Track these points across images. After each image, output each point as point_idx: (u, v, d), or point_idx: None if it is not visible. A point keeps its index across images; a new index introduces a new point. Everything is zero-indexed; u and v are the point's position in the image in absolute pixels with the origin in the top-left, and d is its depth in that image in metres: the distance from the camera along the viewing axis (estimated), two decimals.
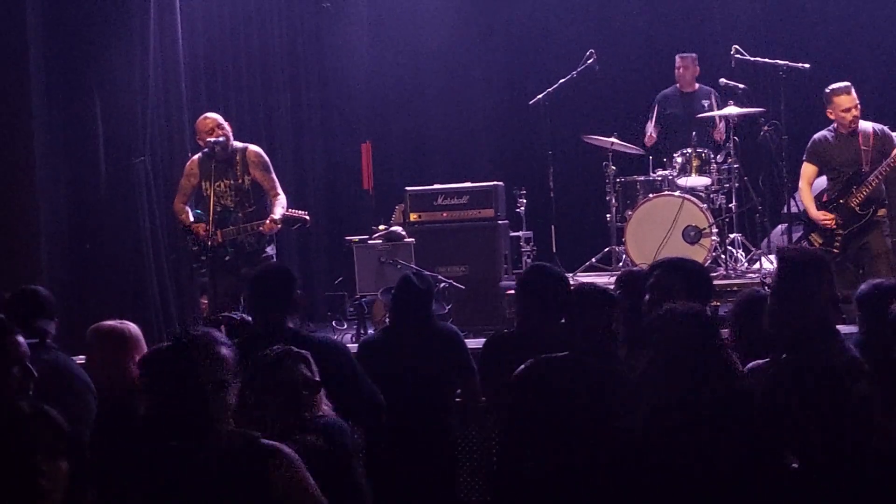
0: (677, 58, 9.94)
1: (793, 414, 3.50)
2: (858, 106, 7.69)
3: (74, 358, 5.09)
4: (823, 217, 7.70)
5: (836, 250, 7.63)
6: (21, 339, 3.39)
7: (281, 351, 3.86)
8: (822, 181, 8.05)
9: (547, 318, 4.80)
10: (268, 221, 7.42)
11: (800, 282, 3.84)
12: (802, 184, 7.86)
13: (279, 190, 7.59)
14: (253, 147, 7.66)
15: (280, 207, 7.50)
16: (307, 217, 7.69)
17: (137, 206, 7.94)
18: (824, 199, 7.83)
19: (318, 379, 3.83)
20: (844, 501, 3.39)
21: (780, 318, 3.87)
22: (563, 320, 4.53)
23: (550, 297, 4.84)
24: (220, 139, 7.43)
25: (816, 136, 7.87)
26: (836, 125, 7.76)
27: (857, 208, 7.65)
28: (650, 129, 9.80)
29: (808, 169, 7.85)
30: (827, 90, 7.78)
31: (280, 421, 3.65)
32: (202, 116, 7.68)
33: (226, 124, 7.56)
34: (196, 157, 7.63)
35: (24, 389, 3.36)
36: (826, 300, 3.87)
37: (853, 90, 7.72)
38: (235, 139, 7.65)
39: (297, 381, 3.74)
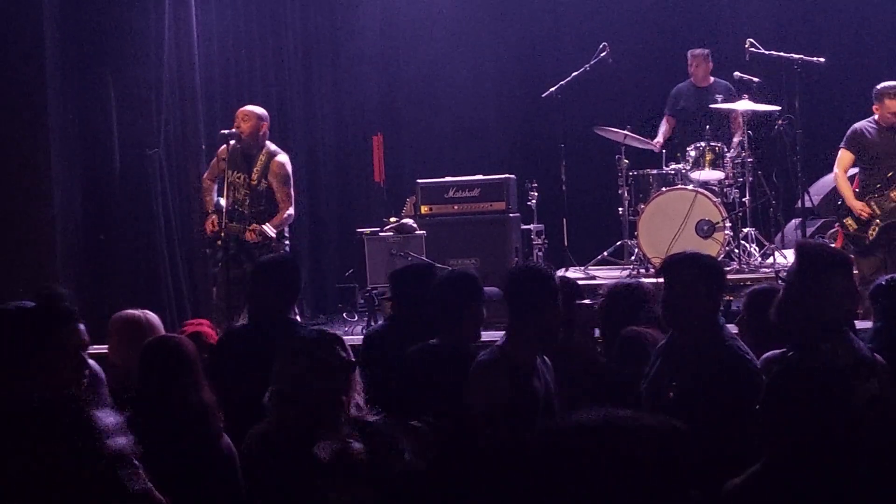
0: (689, 54, 9.91)
1: (792, 413, 3.47)
2: None
3: (93, 347, 5.11)
4: (862, 208, 7.71)
5: (870, 237, 7.68)
6: (83, 327, 3.44)
7: (315, 333, 3.87)
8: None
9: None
10: (249, 230, 7.37)
11: (816, 279, 3.78)
12: (839, 170, 7.86)
13: (290, 204, 7.57)
14: (280, 157, 7.58)
15: (281, 221, 7.50)
16: (273, 236, 7.47)
17: (151, 198, 7.96)
18: (855, 187, 7.86)
19: (352, 359, 3.82)
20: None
21: (791, 314, 3.83)
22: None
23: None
24: (233, 131, 7.44)
25: (857, 125, 7.84)
26: (877, 118, 7.76)
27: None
28: (660, 134, 9.86)
29: (845, 156, 7.86)
30: (879, 87, 7.73)
31: (320, 405, 3.65)
32: (246, 106, 7.76)
33: (253, 121, 7.50)
34: (231, 142, 7.55)
35: (78, 379, 3.40)
36: (841, 300, 3.80)
37: None
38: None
39: (334, 364, 3.70)
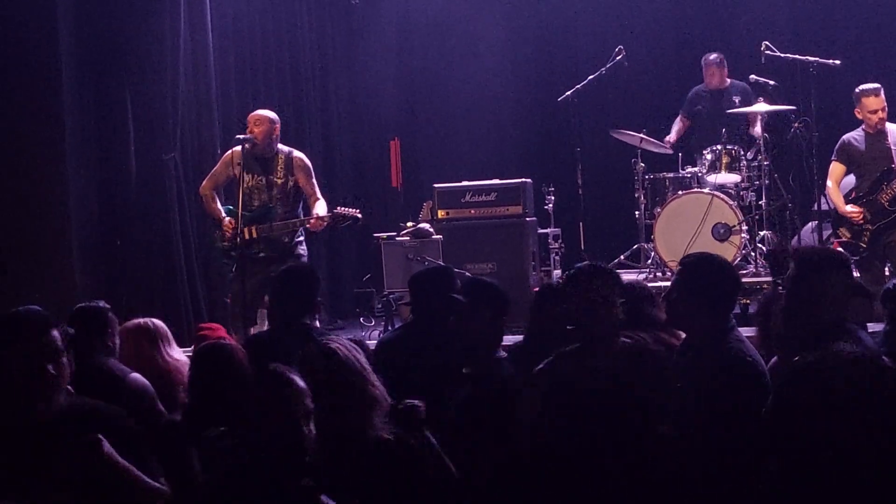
0: (703, 63, 9.84)
1: (801, 415, 3.44)
2: (886, 108, 7.86)
3: None
4: (852, 211, 7.81)
5: (864, 244, 7.81)
6: (57, 334, 3.36)
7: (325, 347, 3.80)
8: (849, 181, 8.14)
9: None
10: (314, 219, 7.43)
11: (815, 282, 3.79)
12: (830, 182, 8.02)
13: (319, 195, 7.60)
14: (298, 153, 7.67)
15: (322, 209, 7.51)
16: (359, 215, 7.62)
17: (167, 203, 7.99)
18: (852, 195, 7.96)
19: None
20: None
21: (795, 319, 3.82)
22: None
23: None
24: (248, 136, 7.45)
25: (845, 136, 8.03)
26: (864, 125, 7.92)
27: (886, 204, 7.79)
28: (673, 132, 9.82)
29: (836, 168, 8.01)
30: (856, 90, 7.96)
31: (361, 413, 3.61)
32: (257, 111, 7.72)
33: (266, 125, 7.50)
34: (238, 148, 7.44)
35: (59, 386, 3.34)
36: (843, 300, 3.78)
37: (882, 92, 7.88)
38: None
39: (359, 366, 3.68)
